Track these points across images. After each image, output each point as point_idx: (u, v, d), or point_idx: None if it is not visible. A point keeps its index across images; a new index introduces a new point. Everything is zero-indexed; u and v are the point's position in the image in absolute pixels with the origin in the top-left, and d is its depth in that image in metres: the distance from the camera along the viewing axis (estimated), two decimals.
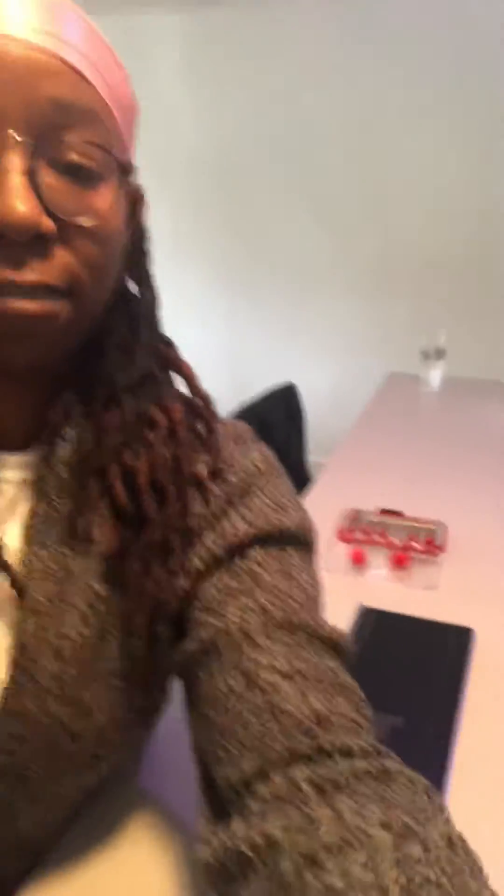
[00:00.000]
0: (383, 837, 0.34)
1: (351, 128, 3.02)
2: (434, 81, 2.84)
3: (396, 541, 1.12)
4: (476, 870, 0.35)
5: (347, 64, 2.92)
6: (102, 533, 0.52)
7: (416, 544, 1.11)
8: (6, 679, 0.49)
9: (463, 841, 0.36)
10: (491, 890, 0.35)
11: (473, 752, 0.73)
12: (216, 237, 3.43)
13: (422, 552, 1.10)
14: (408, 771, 0.41)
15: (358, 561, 1.09)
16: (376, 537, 1.13)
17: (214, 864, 0.40)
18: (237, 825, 0.39)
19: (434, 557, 1.10)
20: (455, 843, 0.36)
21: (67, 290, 0.43)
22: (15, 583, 0.49)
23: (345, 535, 1.15)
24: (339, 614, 0.96)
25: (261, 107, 3.12)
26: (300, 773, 0.40)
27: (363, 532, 1.15)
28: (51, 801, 0.54)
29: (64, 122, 0.40)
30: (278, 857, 0.36)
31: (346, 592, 1.03)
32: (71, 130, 0.41)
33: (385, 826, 0.35)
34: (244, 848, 0.38)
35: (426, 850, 0.34)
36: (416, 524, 1.17)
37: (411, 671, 0.85)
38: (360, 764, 0.40)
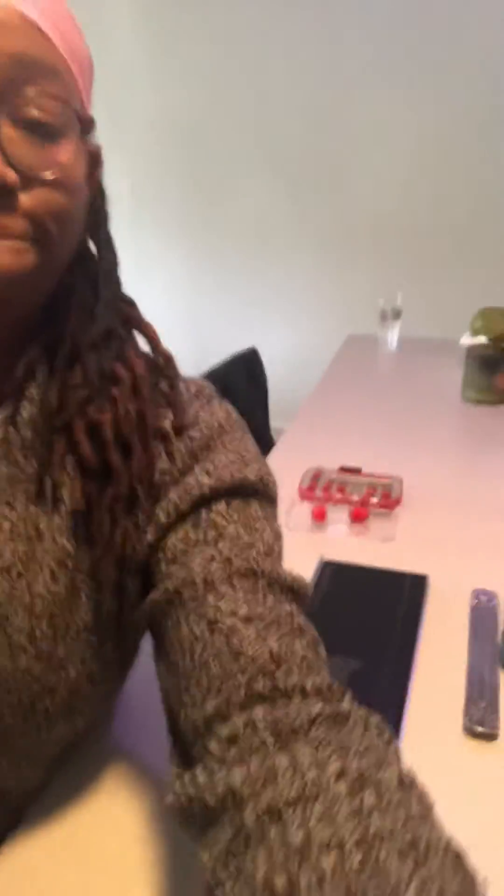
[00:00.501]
0: (339, 787, 0.36)
1: (312, 93, 3.00)
2: (395, 47, 2.83)
3: (355, 496, 1.16)
4: (426, 808, 0.37)
5: (311, 26, 2.89)
6: (69, 490, 0.53)
7: (373, 499, 1.16)
8: None
9: (412, 780, 0.39)
10: (440, 828, 0.37)
11: (428, 690, 0.78)
12: (176, 200, 3.40)
13: (379, 506, 1.15)
14: (361, 710, 0.44)
15: (319, 518, 1.13)
16: (336, 494, 1.18)
17: (179, 812, 0.42)
18: (200, 774, 0.41)
19: (391, 511, 1.15)
20: (405, 784, 0.38)
21: (33, 238, 0.44)
22: None
23: (306, 494, 1.19)
24: (301, 569, 1.00)
25: (221, 67, 3.07)
26: (259, 714, 0.42)
27: (324, 490, 1.19)
28: (28, 756, 0.56)
29: (24, 76, 0.41)
30: (241, 809, 0.38)
31: (308, 548, 1.07)
32: (31, 85, 0.42)
33: (340, 775, 0.37)
34: (207, 798, 0.40)
35: (379, 796, 0.36)
36: (374, 480, 1.22)
37: (370, 618, 0.90)
38: (316, 707, 0.42)
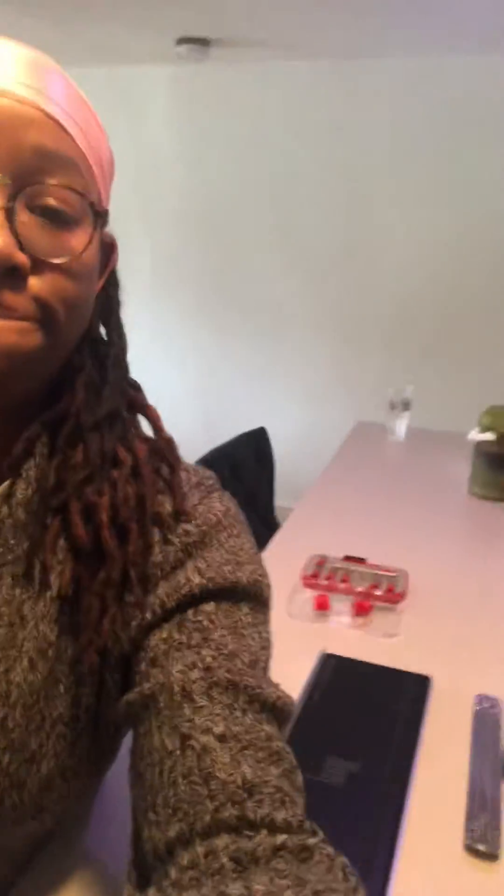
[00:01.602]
0: None
1: (334, 183, 3.15)
2: (414, 140, 2.98)
3: (359, 587, 1.15)
4: None
5: (330, 118, 3.07)
6: (58, 573, 0.51)
7: (377, 591, 1.14)
8: None
9: None
10: None
11: (428, 799, 0.76)
12: (195, 282, 3.51)
13: (383, 600, 1.14)
14: (328, 848, 0.41)
15: (321, 607, 1.12)
16: (339, 584, 1.17)
17: None
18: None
19: (395, 605, 1.14)
20: None
21: (40, 319, 0.45)
22: None
23: (309, 581, 1.18)
24: (301, 660, 0.99)
25: (244, 157, 3.24)
26: (222, 843, 0.40)
27: (327, 578, 1.18)
28: None
29: (44, 168, 0.44)
30: None
31: (309, 639, 1.05)
32: (50, 175, 0.44)
33: None
34: None
35: None
36: (379, 571, 1.21)
37: (370, 717, 0.88)
38: (281, 838, 0.40)
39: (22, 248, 0.43)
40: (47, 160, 0.44)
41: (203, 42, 2.80)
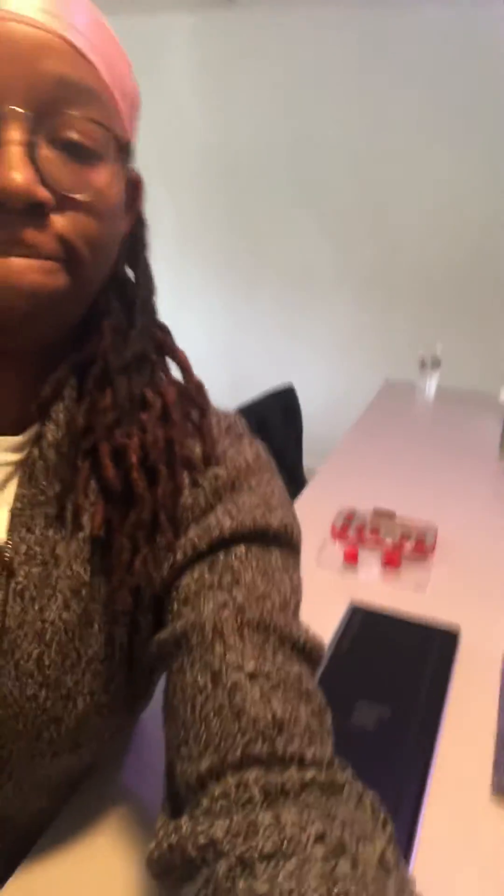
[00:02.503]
0: (316, 850, 0.35)
1: (356, 137, 3.06)
2: (440, 94, 2.88)
3: (388, 540, 1.15)
4: (405, 889, 0.36)
5: (357, 72, 2.96)
6: (90, 515, 0.52)
7: (407, 544, 1.14)
8: None
9: (396, 862, 0.37)
10: None
11: (456, 747, 0.76)
12: (220, 238, 3.46)
13: (413, 553, 1.14)
14: (357, 784, 0.42)
15: (351, 559, 1.12)
16: (369, 536, 1.17)
17: (159, 860, 0.41)
18: (185, 824, 0.40)
19: (424, 559, 1.14)
20: (386, 863, 0.36)
21: (64, 259, 0.43)
22: (2, 563, 0.49)
23: (339, 534, 1.18)
24: (331, 610, 0.99)
25: (269, 111, 3.15)
26: (252, 776, 0.40)
27: (357, 531, 1.18)
28: (33, 785, 0.55)
29: (65, 98, 0.42)
30: (217, 859, 0.37)
31: (338, 590, 1.06)
32: (72, 107, 0.42)
33: (320, 839, 0.36)
34: (188, 847, 0.39)
35: (354, 867, 0.35)
36: (408, 525, 1.21)
37: (399, 668, 0.88)
38: (310, 773, 0.41)
39: (44, 183, 0.41)
40: (69, 91, 0.42)
41: None
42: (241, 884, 0.35)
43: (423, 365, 2.10)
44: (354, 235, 3.22)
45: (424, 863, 0.62)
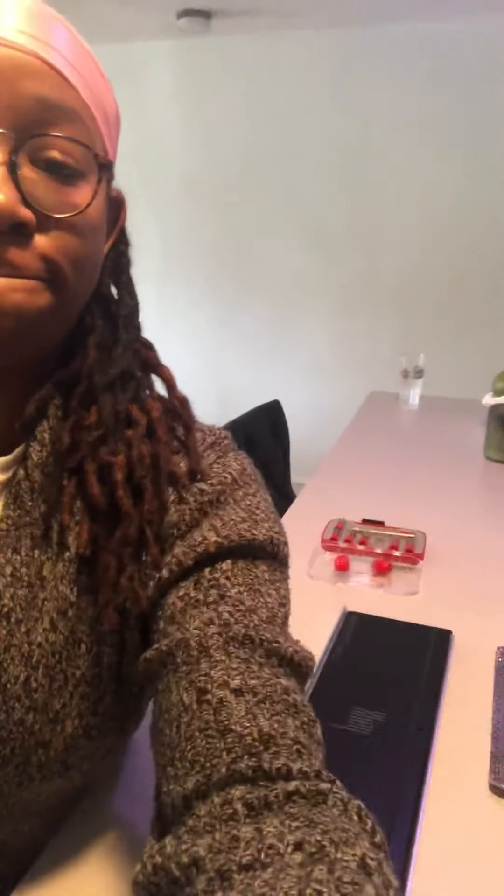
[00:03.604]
0: (293, 857, 0.35)
1: (340, 152, 3.12)
2: (423, 109, 2.95)
3: (378, 549, 1.17)
4: (385, 891, 0.34)
5: (338, 89, 3.04)
6: (76, 534, 0.51)
7: (396, 552, 1.16)
8: None
9: (378, 865, 0.36)
10: None
11: (452, 746, 0.77)
12: (204, 257, 3.50)
13: (402, 560, 1.15)
14: (342, 792, 0.41)
15: (341, 568, 1.13)
16: (359, 546, 1.18)
17: (145, 882, 0.40)
18: (169, 844, 0.39)
19: (414, 565, 1.15)
20: (367, 867, 0.35)
21: (47, 278, 0.44)
22: None
23: (329, 544, 1.20)
24: (323, 618, 1.00)
25: (251, 131, 3.22)
26: (237, 793, 0.40)
27: (346, 541, 1.20)
28: (23, 809, 0.54)
29: (46, 119, 0.42)
30: (199, 876, 0.36)
31: (330, 598, 1.07)
32: (52, 127, 0.42)
33: (298, 847, 0.35)
34: (172, 868, 0.38)
35: (331, 871, 0.34)
36: (397, 533, 1.22)
37: (394, 670, 0.89)
38: (293, 785, 0.40)
39: (26, 203, 0.42)
40: (49, 111, 0.42)
41: (204, 14, 2.77)
42: None
43: (406, 375, 2.14)
44: (337, 250, 3.27)
45: (425, 859, 0.63)
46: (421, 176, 3.04)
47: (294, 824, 0.37)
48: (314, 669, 0.51)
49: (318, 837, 0.36)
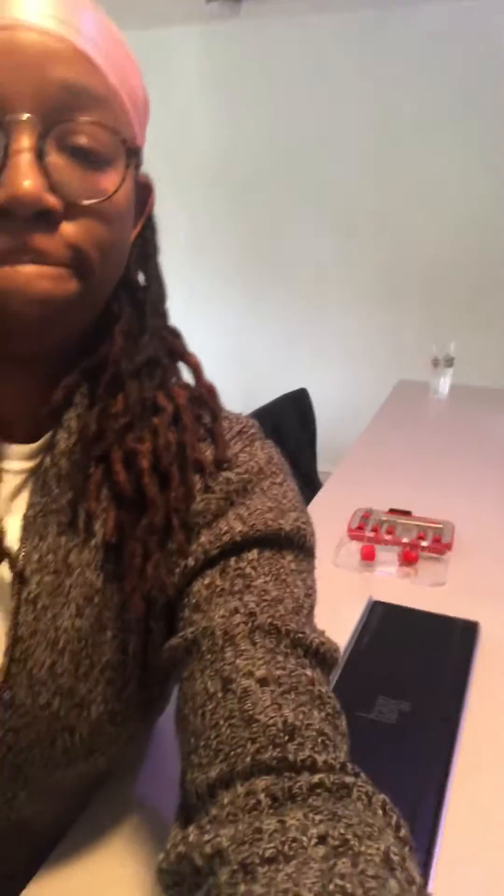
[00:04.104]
0: (316, 851, 0.34)
1: (363, 138, 3.08)
2: (445, 94, 2.89)
3: (405, 539, 1.16)
4: (409, 887, 0.34)
5: (367, 74, 2.98)
6: (102, 521, 0.52)
7: (424, 542, 1.15)
8: (1, 669, 0.49)
9: (402, 860, 0.35)
10: None
11: (478, 737, 0.77)
12: (230, 245, 3.49)
13: (430, 550, 1.14)
14: (367, 786, 0.41)
15: (368, 558, 1.12)
16: (386, 535, 1.17)
17: (168, 870, 0.40)
18: (192, 833, 0.39)
19: (441, 555, 1.14)
20: (390, 861, 0.35)
21: (74, 265, 0.44)
22: (15, 572, 0.49)
23: (355, 533, 1.19)
24: (349, 607, 1.00)
25: (277, 117, 3.18)
26: (261, 784, 0.39)
27: (373, 530, 1.19)
28: (48, 792, 0.54)
29: (74, 105, 0.42)
30: (221, 867, 0.36)
31: (356, 588, 1.06)
32: (80, 112, 0.42)
33: (322, 840, 0.35)
34: (196, 857, 0.38)
35: (354, 865, 0.33)
36: (425, 523, 1.21)
37: (419, 661, 0.89)
38: (318, 777, 0.40)
39: (53, 190, 0.41)
40: (77, 97, 0.42)
41: None
42: (241, 889, 0.34)
43: (436, 364, 2.11)
44: (363, 235, 3.23)
45: (449, 850, 0.63)
46: (451, 162, 2.98)
47: (318, 817, 0.37)
48: (339, 660, 0.51)
49: (342, 831, 0.35)
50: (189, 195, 3.42)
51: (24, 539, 0.50)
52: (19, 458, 0.52)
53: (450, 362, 2.10)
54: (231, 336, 3.65)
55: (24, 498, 0.51)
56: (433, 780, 0.70)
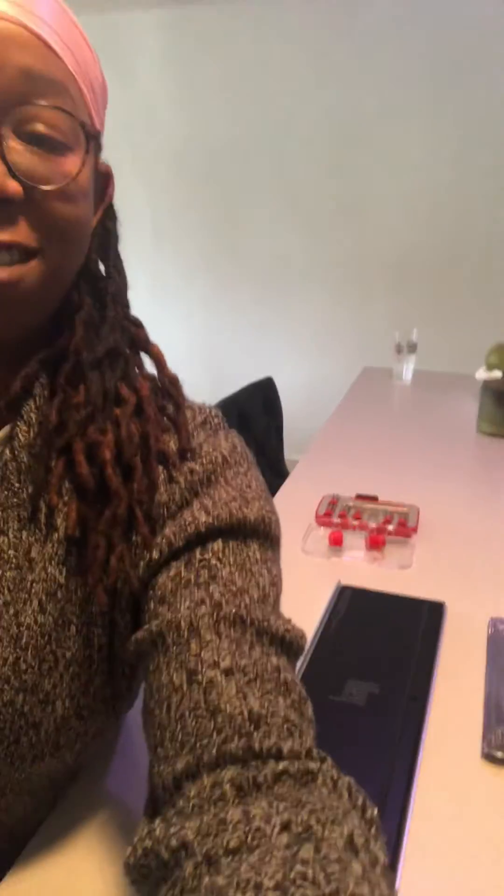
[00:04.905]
0: (280, 839, 0.35)
1: (328, 127, 3.08)
2: (410, 83, 2.91)
3: (372, 523, 1.17)
4: (369, 870, 0.34)
5: (326, 63, 2.98)
6: (64, 515, 0.51)
7: (390, 526, 1.16)
8: None
9: (366, 841, 0.36)
10: (383, 887, 0.34)
11: (445, 715, 0.78)
12: (195, 233, 3.47)
13: (396, 534, 1.16)
14: (332, 770, 0.41)
15: (336, 543, 1.14)
16: (353, 521, 1.19)
17: (135, 865, 0.40)
18: (158, 826, 0.39)
19: (407, 538, 1.16)
20: (355, 844, 0.35)
21: (36, 250, 0.44)
22: None
23: (323, 520, 1.20)
24: (317, 592, 1.01)
25: (240, 104, 3.17)
26: (227, 774, 0.39)
27: (340, 516, 1.20)
28: (15, 790, 0.54)
29: (32, 91, 0.42)
30: (187, 860, 0.36)
31: (325, 573, 1.08)
32: (38, 98, 0.42)
33: (285, 827, 0.35)
34: (162, 851, 0.38)
35: (317, 850, 0.34)
36: (390, 508, 1.23)
37: (387, 643, 0.90)
38: (283, 765, 0.40)
39: (13, 175, 0.41)
40: (34, 82, 0.42)
41: None
42: (205, 881, 0.34)
43: (399, 350, 2.13)
44: (328, 225, 3.24)
45: (419, 830, 0.64)
46: (413, 153, 3.00)
47: (282, 805, 0.37)
48: (306, 647, 0.51)
49: (305, 817, 0.36)
50: (152, 182, 3.39)
51: None
52: None
53: (413, 349, 2.12)
54: (198, 328, 3.63)
55: None
56: (403, 759, 0.71)
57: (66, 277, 0.49)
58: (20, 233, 0.43)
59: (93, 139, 0.47)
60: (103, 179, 0.53)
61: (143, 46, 3.21)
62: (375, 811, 0.39)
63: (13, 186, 0.41)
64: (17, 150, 0.42)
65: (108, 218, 0.55)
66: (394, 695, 0.80)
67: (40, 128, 0.42)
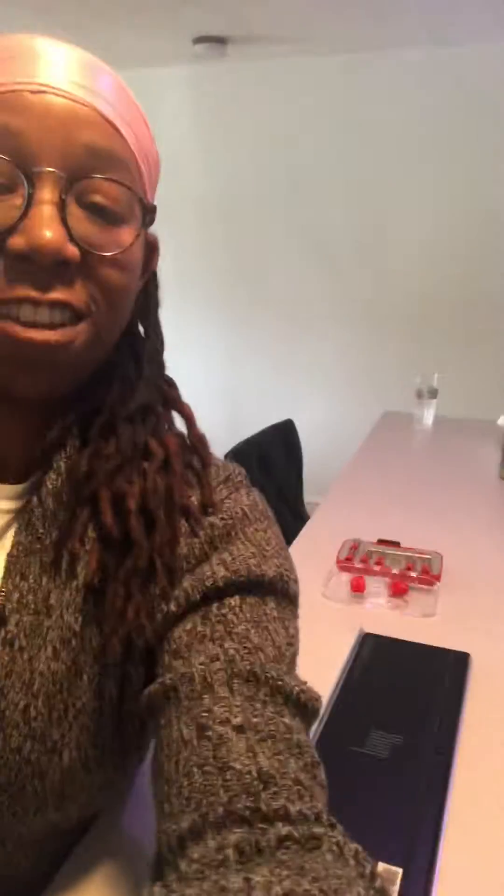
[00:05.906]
0: None
1: (348, 173, 3.16)
2: (428, 128, 2.98)
3: (394, 570, 1.16)
4: None
5: (349, 114, 3.07)
6: (85, 563, 0.52)
7: (412, 573, 1.15)
8: None
9: None
10: None
11: (472, 767, 0.76)
12: (218, 278, 3.53)
13: (419, 581, 1.14)
14: (338, 836, 0.39)
15: (357, 589, 1.12)
16: (375, 566, 1.17)
17: None
18: (159, 892, 0.38)
19: (430, 586, 1.14)
20: None
21: (86, 313, 0.46)
22: None
23: (344, 564, 1.19)
24: (339, 639, 1.00)
25: (264, 152, 3.26)
26: (232, 838, 0.38)
27: (362, 561, 1.19)
28: (16, 843, 0.53)
29: (95, 165, 0.45)
30: None
31: (346, 619, 1.06)
32: (100, 172, 0.45)
33: None
34: None
35: None
36: (413, 554, 1.22)
37: (411, 693, 0.88)
38: (287, 829, 0.38)
39: (72, 240, 0.44)
40: (99, 158, 0.45)
41: (220, 40, 2.82)
42: None
43: (420, 395, 2.13)
44: (348, 270, 3.29)
45: (448, 884, 0.62)
46: (429, 197, 3.06)
47: (284, 873, 0.35)
48: (321, 711, 0.50)
49: (307, 887, 0.34)
50: (178, 229, 3.47)
51: (5, 578, 0.50)
52: (7, 498, 0.52)
53: (433, 394, 2.12)
54: (219, 369, 3.67)
55: (9, 537, 0.52)
56: (429, 814, 0.69)
57: (111, 340, 0.51)
58: (74, 294, 0.45)
59: (148, 213, 0.50)
60: (149, 249, 0.56)
61: (171, 100, 3.33)
62: (384, 882, 0.38)
63: (72, 250, 0.43)
64: (78, 218, 0.45)
65: (151, 284, 0.58)
66: (418, 747, 0.78)
67: (100, 199, 0.45)
